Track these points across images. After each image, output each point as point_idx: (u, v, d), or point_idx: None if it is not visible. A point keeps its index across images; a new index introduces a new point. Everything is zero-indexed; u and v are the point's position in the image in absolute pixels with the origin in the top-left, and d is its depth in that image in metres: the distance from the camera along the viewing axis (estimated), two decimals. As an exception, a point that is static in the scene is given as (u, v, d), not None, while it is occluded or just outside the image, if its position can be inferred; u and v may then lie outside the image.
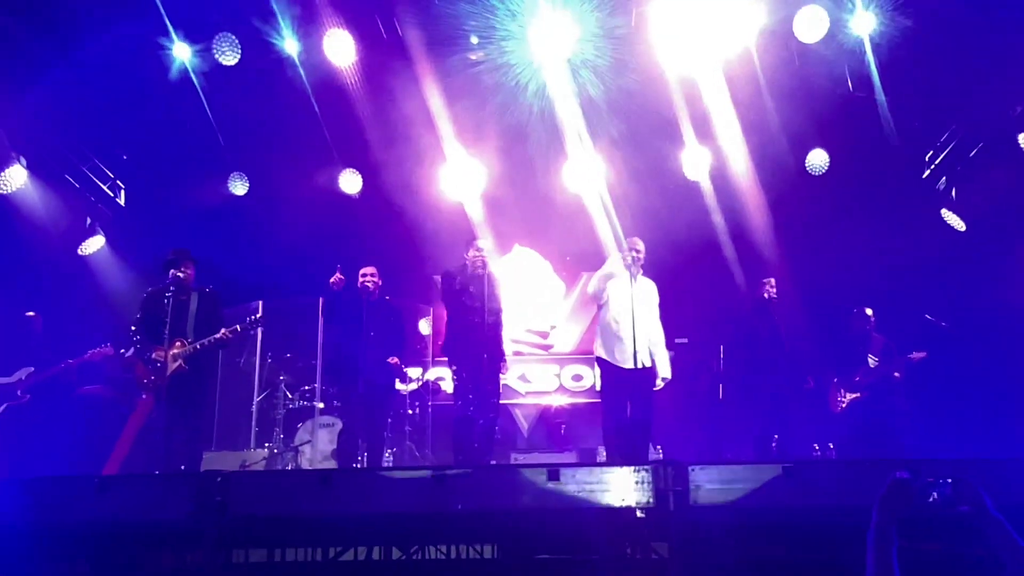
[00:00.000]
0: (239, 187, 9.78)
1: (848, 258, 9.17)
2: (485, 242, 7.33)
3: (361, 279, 7.41)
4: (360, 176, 9.96)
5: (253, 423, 9.45)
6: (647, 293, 7.14)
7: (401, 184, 9.62)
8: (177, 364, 6.75)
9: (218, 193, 9.72)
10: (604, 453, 7.45)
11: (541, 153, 9.44)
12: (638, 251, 7.02)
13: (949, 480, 2.82)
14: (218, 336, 6.80)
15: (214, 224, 9.31)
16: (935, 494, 2.80)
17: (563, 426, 10.11)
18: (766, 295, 8.11)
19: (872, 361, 8.35)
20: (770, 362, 7.91)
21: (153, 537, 5.18)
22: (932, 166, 9.25)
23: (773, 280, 8.19)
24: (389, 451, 8.82)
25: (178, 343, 6.78)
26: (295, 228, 9.45)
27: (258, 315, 7.19)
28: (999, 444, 7.63)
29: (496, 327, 7.24)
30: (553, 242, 10.54)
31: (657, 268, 7.63)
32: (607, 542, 4.96)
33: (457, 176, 9.55)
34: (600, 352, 7.10)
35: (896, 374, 8.20)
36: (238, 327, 6.90)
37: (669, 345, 7.30)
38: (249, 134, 9.21)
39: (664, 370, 7.02)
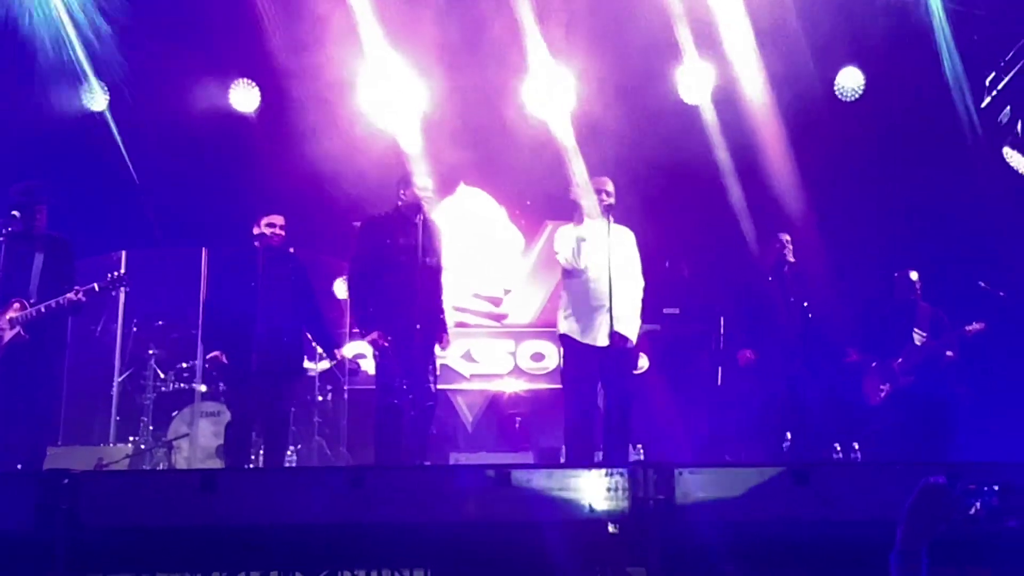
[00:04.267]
0: (97, 100, 9.60)
1: (886, 208, 9.31)
2: (424, 179, 7.32)
3: (268, 229, 7.36)
4: (258, 89, 9.83)
5: (113, 411, 9.41)
6: (625, 246, 7.22)
7: (312, 101, 9.51)
8: (15, 332, 6.69)
9: (68, 108, 9.52)
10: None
11: (496, 66, 9.40)
12: (608, 193, 7.11)
13: (996, 487, 2.87)
14: (70, 297, 6.74)
15: (61, 148, 9.14)
16: (978, 504, 2.86)
17: (518, 419, 10.18)
18: (782, 255, 8.20)
19: (918, 337, 8.51)
20: (784, 340, 8.03)
21: (-20, 555, 5.15)
22: (994, 92, 9.38)
23: (788, 237, 8.29)
24: (293, 448, 8.82)
25: (16, 304, 6.72)
26: (170, 155, 9.33)
27: (121, 271, 7.13)
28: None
29: (434, 290, 7.27)
30: (510, 181, 10.52)
31: (641, 218, 7.69)
32: (570, 564, 5.05)
33: (387, 94, 9.47)
34: (564, 327, 7.19)
35: (948, 353, 8.38)
36: (96, 286, 6.86)
37: (656, 317, 7.40)
38: (111, 27, 9.01)
39: (628, 331, 7.12)
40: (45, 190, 7.07)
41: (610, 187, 7.19)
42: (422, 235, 7.06)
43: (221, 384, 8.85)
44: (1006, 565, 4.64)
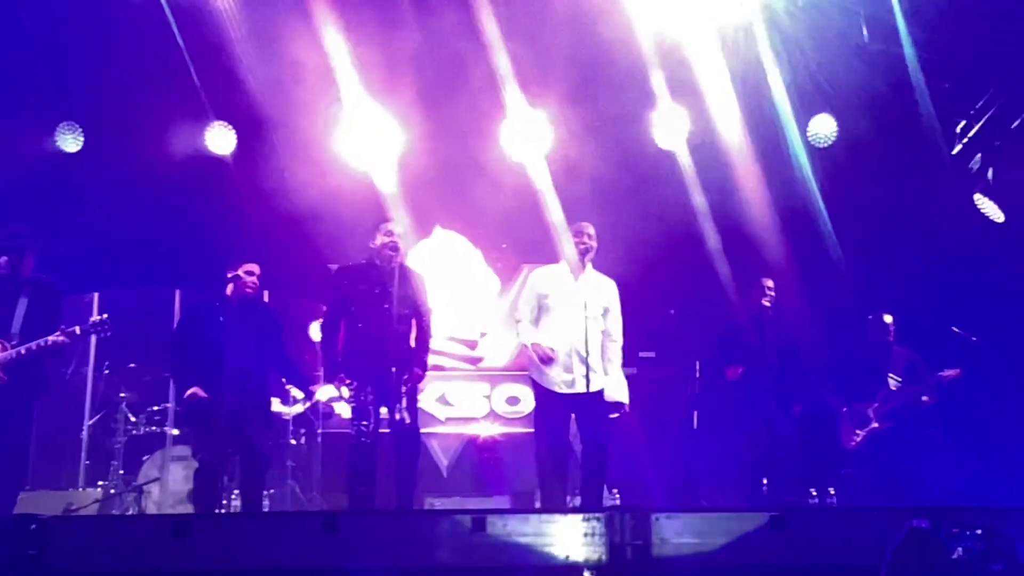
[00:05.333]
0: (70, 142, 9.58)
1: (859, 253, 9.37)
2: (398, 225, 7.30)
3: (248, 277, 7.29)
4: (234, 132, 9.83)
5: (83, 454, 9.30)
6: (602, 294, 7.20)
7: (288, 145, 9.52)
8: (-5, 373, 6.64)
9: (41, 150, 9.49)
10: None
11: (473, 109, 9.44)
12: (589, 236, 7.11)
13: (979, 531, 2.87)
14: (53, 339, 6.69)
15: (35, 189, 9.09)
16: (960, 549, 2.86)
17: (494, 463, 10.13)
18: (762, 300, 8.22)
19: (894, 383, 8.53)
20: (761, 384, 8.04)
21: (-56, 603, 5.04)
22: (964, 140, 9.49)
23: (771, 282, 8.31)
24: (265, 492, 8.71)
25: (-2, 345, 6.68)
26: (144, 197, 9.29)
27: (104, 315, 7.05)
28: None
29: (418, 337, 7.24)
30: (486, 224, 10.54)
31: (618, 261, 7.69)
32: (547, 611, 4.99)
33: (363, 137, 9.49)
34: (537, 373, 7.16)
35: (924, 398, 8.39)
36: (77, 329, 6.80)
37: (632, 361, 7.35)
38: (86, 69, 9.01)
39: (618, 394, 7.10)
40: (32, 235, 7.05)
41: (591, 231, 7.18)
42: (397, 283, 7.03)
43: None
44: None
